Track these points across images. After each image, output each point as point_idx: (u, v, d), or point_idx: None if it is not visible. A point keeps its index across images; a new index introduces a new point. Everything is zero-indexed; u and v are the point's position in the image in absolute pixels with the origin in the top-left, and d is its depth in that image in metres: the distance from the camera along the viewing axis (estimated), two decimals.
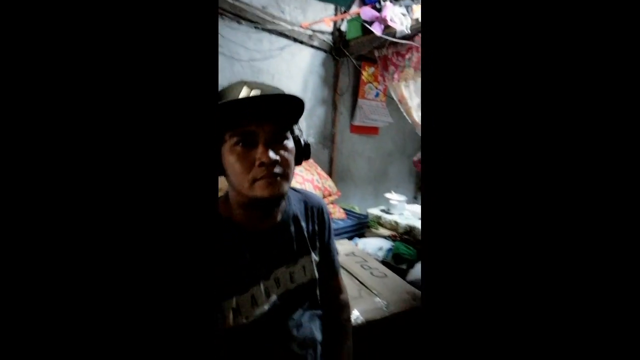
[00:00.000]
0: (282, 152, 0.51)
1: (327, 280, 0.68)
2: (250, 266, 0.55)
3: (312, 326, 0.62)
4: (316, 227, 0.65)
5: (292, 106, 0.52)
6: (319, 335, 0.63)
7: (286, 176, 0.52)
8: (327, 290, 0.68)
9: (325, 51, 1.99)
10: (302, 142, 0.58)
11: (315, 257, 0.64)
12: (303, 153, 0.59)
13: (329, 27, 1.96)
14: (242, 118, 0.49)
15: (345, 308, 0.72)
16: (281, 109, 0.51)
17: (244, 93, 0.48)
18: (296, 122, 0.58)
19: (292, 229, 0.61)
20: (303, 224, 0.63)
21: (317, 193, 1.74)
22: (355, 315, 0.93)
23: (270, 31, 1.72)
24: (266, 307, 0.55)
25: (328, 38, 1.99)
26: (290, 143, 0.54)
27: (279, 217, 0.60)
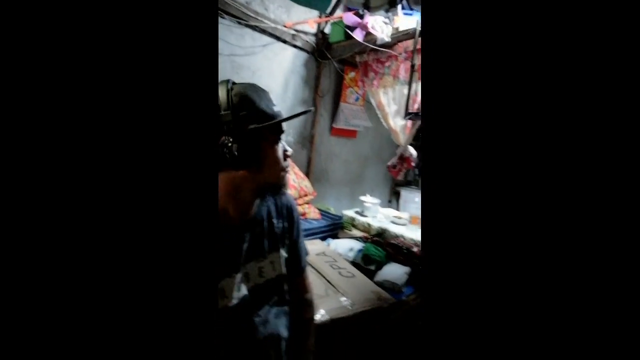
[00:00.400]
0: None
1: (294, 278, 0.70)
2: (222, 259, 0.56)
3: (278, 322, 0.63)
4: (286, 225, 0.67)
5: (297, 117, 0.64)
6: (284, 332, 0.64)
7: None
8: (293, 288, 0.69)
9: (307, 52, 2.00)
10: None
11: (284, 253, 0.66)
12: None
13: (312, 28, 1.98)
14: (280, 123, 0.58)
15: (309, 307, 0.74)
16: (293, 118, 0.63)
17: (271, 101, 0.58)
18: None
19: (265, 224, 0.63)
20: (274, 220, 0.65)
21: (293, 192, 1.75)
22: (321, 313, 0.95)
23: (254, 28, 1.71)
24: (235, 300, 0.56)
25: (311, 39, 2.01)
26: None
27: (252, 213, 0.61)
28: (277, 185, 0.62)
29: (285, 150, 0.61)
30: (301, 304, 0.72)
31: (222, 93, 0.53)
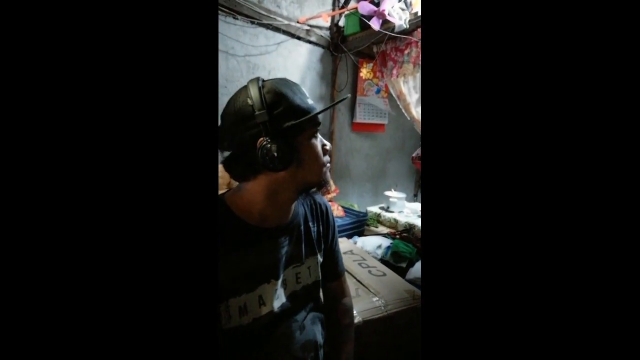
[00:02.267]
0: None
1: (331, 282, 0.67)
2: (260, 265, 0.54)
3: (314, 329, 0.61)
4: (322, 228, 0.65)
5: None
6: (320, 339, 0.62)
7: None
8: (330, 293, 0.67)
9: (322, 47, 1.96)
10: None
11: (320, 258, 0.63)
12: None
13: (326, 22, 1.93)
14: (317, 116, 0.53)
15: (348, 312, 0.71)
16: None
17: (305, 94, 0.54)
18: None
19: (301, 228, 0.61)
20: (310, 224, 0.62)
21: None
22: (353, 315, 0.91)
23: (267, 26, 1.69)
24: (274, 307, 0.54)
25: (326, 34, 1.96)
26: None
27: (290, 216, 0.59)
28: (319, 183, 0.56)
29: (324, 145, 0.56)
30: (340, 309, 0.69)
31: (254, 92, 0.49)
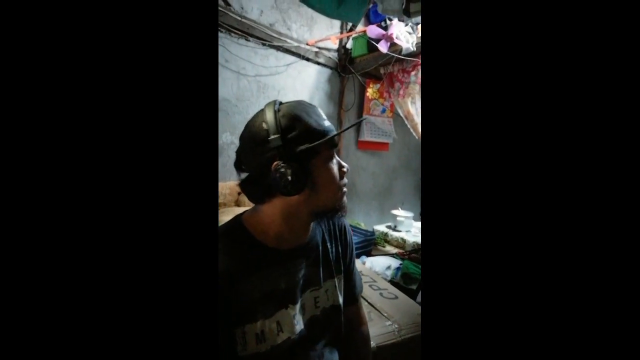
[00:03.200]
0: None
1: (348, 307, 0.64)
2: (278, 289, 0.52)
3: (332, 358, 0.58)
4: (340, 249, 0.63)
5: None
6: None
7: None
8: (347, 318, 0.63)
9: (331, 68, 2.01)
10: None
11: (338, 281, 0.61)
12: None
13: (334, 44, 1.99)
14: (334, 137, 0.53)
15: (366, 342, 0.68)
16: None
17: (321, 116, 0.53)
18: None
19: (320, 249, 0.59)
20: (328, 245, 0.61)
21: None
22: None
23: (277, 48, 1.74)
24: (293, 334, 0.52)
25: (334, 55, 2.01)
26: None
27: (307, 237, 0.57)
28: (334, 207, 0.54)
29: (341, 167, 0.54)
30: (356, 336, 0.66)
31: (269, 116, 0.49)
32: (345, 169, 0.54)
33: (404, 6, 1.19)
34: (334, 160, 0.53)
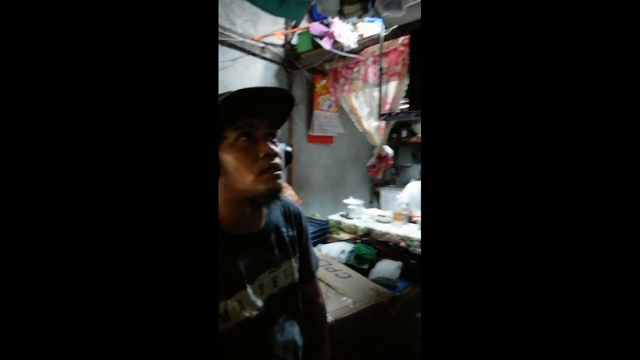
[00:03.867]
0: (277, 149, 0.53)
1: (306, 284, 0.70)
2: (236, 271, 0.55)
3: (293, 330, 0.63)
4: (295, 233, 0.67)
5: (284, 102, 0.54)
6: (299, 339, 0.64)
7: (281, 173, 0.53)
8: (305, 294, 0.69)
9: (277, 63, 2.03)
10: (284, 148, 0.60)
11: (295, 262, 0.66)
12: (287, 159, 0.60)
13: (280, 40, 2.02)
14: (243, 110, 0.49)
15: (322, 311, 0.74)
16: (275, 103, 0.53)
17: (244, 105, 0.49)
18: (285, 119, 0.59)
19: (274, 234, 0.62)
20: (283, 229, 0.64)
21: None
22: None
23: (222, 42, 1.72)
24: (254, 312, 0.55)
25: (280, 51, 2.04)
26: (279, 146, 0.56)
27: (262, 223, 0.60)
28: (254, 193, 0.51)
29: (263, 149, 0.49)
30: (314, 308, 0.72)
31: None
32: (272, 150, 0.50)
33: (339, 8, 1.27)
34: (249, 146, 0.50)
